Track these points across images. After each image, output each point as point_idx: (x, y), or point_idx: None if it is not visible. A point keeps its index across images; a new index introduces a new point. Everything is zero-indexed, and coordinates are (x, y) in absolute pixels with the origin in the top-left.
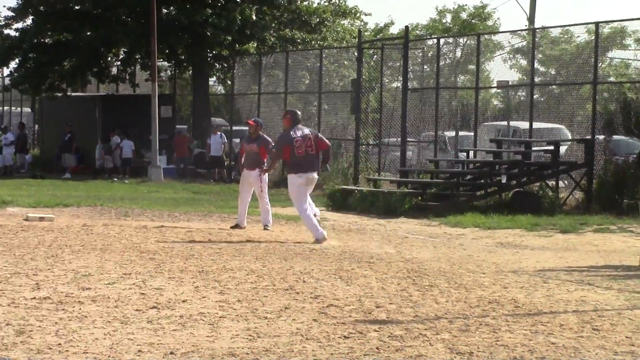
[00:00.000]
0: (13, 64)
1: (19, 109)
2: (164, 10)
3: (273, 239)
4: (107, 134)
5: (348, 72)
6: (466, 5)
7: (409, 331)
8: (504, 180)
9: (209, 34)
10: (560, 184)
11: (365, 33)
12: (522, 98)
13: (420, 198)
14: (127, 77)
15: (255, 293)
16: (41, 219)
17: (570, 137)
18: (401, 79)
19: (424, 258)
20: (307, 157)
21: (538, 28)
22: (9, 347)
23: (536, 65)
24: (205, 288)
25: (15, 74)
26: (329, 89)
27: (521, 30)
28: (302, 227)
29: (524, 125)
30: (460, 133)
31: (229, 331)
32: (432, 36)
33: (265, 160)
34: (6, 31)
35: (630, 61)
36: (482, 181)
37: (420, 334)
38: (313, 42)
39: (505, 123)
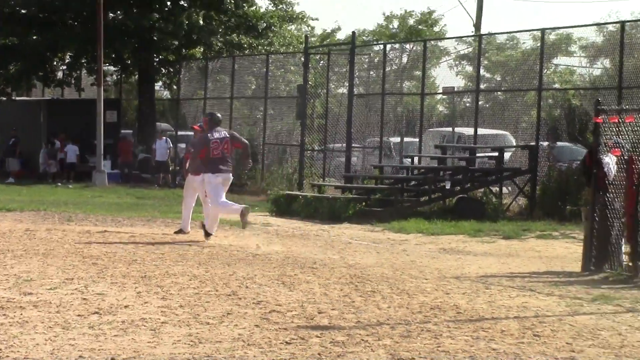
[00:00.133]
0: None
1: None
2: (111, 15)
3: (216, 245)
4: (52, 138)
5: (294, 78)
6: (413, 11)
7: (351, 337)
8: (448, 186)
9: (155, 38)
10: (504, 190)
11: (312, 38)
12: (467, 104)
13: (364, 204)
14: (73, 82)
15: (198, 298)
16: None
17: (514, 144)
18: (347, 84)
19: (367, 264)
20: (223, 158)
21: (484, 34)
22: None
23: (482, 71)
24: (147, 293)
25: None
26: (275, 94)
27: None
28: (245, 233)
29: (469, 131)
30: (405, 139)
31: (171, 337)
32: (379, 42)
33: None
34: None
35: (575, 68)
36: (426, 187)
37: (362, 339)
38: (260, 47)
39: (450, 129)
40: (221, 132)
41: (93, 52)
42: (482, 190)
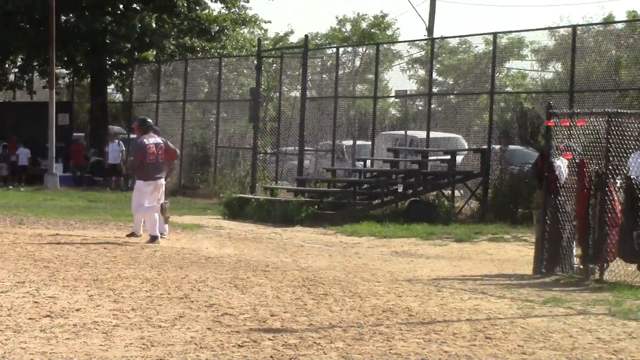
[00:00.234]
0: None
1: None
2: (63, 18)
3: (169, 248)
4: (2, 141)
5: (247, 81)
6: (366, 14)
7: (303, 340)
8: (400, 190)
9: (108, 41)
10: (456, 193)
11: (265, 42)
12: (420, 107)
13: (316, 207)
14: (25, 84)
15: (150, 302)
16: None
17: (466, 147)
18: (300, 87)
19: (319, 267)
20: (157, 164)
21: (437, 38)
22: None
23: (434, 75)
24: (99, 297)
25: None
26: (228, 98)
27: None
28: (198, 236)
29: (422, 134)
30: (358, 142)
31: (123, 340)
32: (332, 45)
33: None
34: None
35: (527, 71)
36: (379, 190)
37: (315, 342)
38: (212, 50)
39: (402, 132)
40: (156, 138)
41: (45, 54)
42: (434, 193)
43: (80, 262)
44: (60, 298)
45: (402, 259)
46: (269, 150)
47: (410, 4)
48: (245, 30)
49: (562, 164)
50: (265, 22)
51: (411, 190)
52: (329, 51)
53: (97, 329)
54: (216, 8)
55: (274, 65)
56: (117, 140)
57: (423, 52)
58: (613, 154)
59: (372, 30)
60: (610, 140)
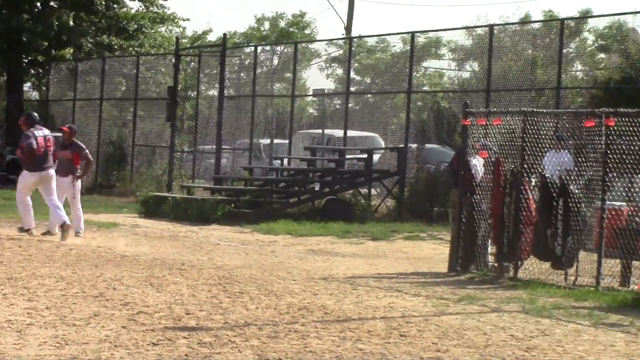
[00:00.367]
0: None
1: None
2: None
3: (84, 246)
4: None
5: (165, 79)
6: (284, 13)
7: (218, 338)
8: (317, 188)
9: (24, 39)
10: (373, 191)
11: (183, 40)
12: (337, 106)
13: (233, 205)
14: None
15: (65, 300)
16: None
17: (383, 146)
18: (218, 86)
19: (235, 265)
20: (44, 156)
21: (355, 37)
22: None
23: (352, 74)
24: (13, 295)
25: None
26: (146, 96)
27: (338, 39)
28: (114, 234)
29: (339, 133)
30: (275, 141)
31: (37, 338)
32: (250, 44)
33: (78, 166)
34: None
35: (444, 71)
36: (296, 189)
37: (230, 340)
38: (130, 48)
39: (320, 131)
40: (44, 130)
41: None
42: (351, 191)
43: None
44: None
45: (318, 257)
46: (186, 148)
47: (328, 3)
48: (164, 29)
49: (478, 163)
50: (184, 20)
51: (328, 189)
52: (247, 50)
53: (10, 327)
54: (134, 6)
55: (192, 63)
56: None
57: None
58: (528, 152)
59: (290, 29)
60: (526, 139)
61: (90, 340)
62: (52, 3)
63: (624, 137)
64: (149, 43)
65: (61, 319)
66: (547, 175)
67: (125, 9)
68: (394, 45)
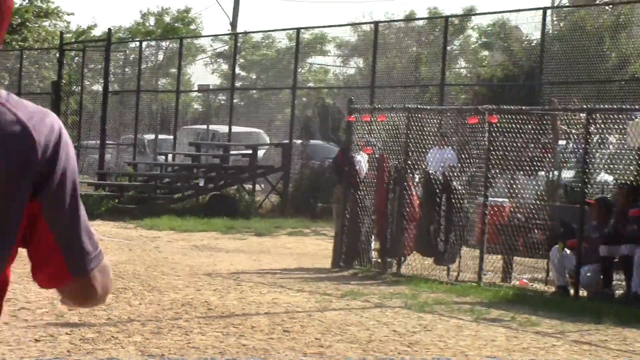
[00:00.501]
0: None
1: None
2: None
3: None
4: None
5: (49, 74)
6: (169, 8)
7: (101, 334)
8: (201, 184)
9: None
10: (257, 187)
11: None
12: (222, 102)
13: (117, 201)
14: None
15: None
16: None
17: (268, 141)
18: (102, 81)
19: (119, 260)
20: None
21: (240, 33)
22: None
23: (237, 69)
24: None
25: None
26: (29, 91)
27: (223, 34)
28: None
29: (224, 129)
30: (160, 136)
31: None
32: (135, 39)
33: None
34: None
35: (329, 67)
36: (180, 184)
37: (112, 336)
38: (14, 43)
39: (205, 127)
40: None
41: None
42: (235, 187)
43: None
44: None
45: (202, 252)
46: None
47: None
48: (48, 23)
49: (362, 159)
50: (68, 15)
51: (212, 185)
52: (132, 45)
53: None
54: (18, 0)
55: (77, 58)
56: None
57: (226, 47)
58: (412, 149)
59: (175, 24)
60: (410, 136)
61: None
62: None
63: (506, 134)
64: (33, 37)
65: None
66: (430, 171)
67: None
68: (280, 41)
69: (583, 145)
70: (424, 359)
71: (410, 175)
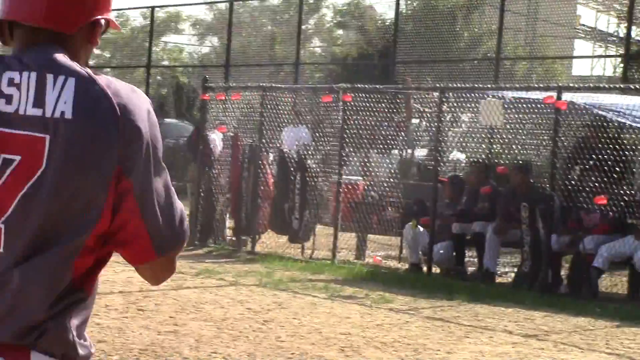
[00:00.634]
0: None
1: None
2: None
3: None
4: None
5: None
6: None
7: None
8: None
9: None
10: None
11: None
12: None
13: None
14: None
15: None
16: None
17: None
18: None
19: None
20: None
21: None
22: None
23: None
24: None
25: None
26: None
27: None
28: None
29: None
30: None
31: None
32: None
33: None
34: None
35: (184, 45)
36: None
37: None
38: None
39: None
40: None
41: None
42: None
43: None
44: None
45: None
46: None
47: None
48: None
49: (217, 138)
50: None
51: None
52: None
53: None
54: None
55: None
56: None
57: None
58: (267, 127)
59: None
60: (264, 114)
61: None
62: None
63: (360, 113)
64: None
65: None
66: (285, 150)
67: None
68: (134, 20)
69: (436, 124)
70: (279, 337)
71: (265, 153)
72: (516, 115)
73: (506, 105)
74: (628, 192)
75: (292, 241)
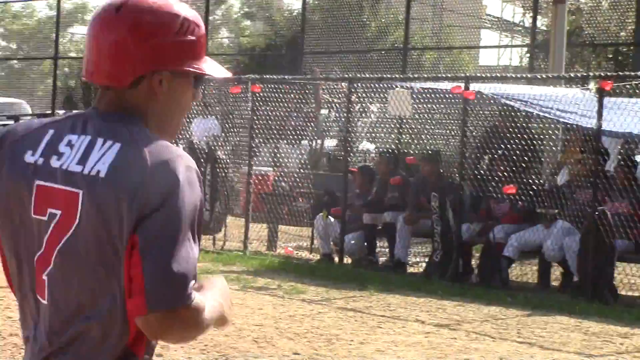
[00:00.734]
0: None
1: None
2: None
3: None
4: None
5: None
6: None
7: None
8: None
9: None
10: None
11: None
12: None
13: None
14: None
15: None
16: None
17: (30, 112)
18: None
19: None
20: None
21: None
22: None
23: None
24: None
25: None
26: None
27: None
28: None
29: None
30: None
31: None
32: None
33: None
34: None
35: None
36: None
37: None
38: None
39: None
40: None
41: None
42: None
43: None
44: None
45: None
46: None
47: None
48: None
49: None
50: None
51: None
52: None
53: None
54: None
55: None
56: None
57: None
58: None
59: None
60: None
61: None
62: None
63: (269, 104)
64: None
65: None
66: (194, 141)
67: None
68: (40, 11)
69: (345, 114)
70: None
71: (174, 144)
72: (425, 105)
73: (414, 96)
74: (537, 181)
75: (203, 233)
